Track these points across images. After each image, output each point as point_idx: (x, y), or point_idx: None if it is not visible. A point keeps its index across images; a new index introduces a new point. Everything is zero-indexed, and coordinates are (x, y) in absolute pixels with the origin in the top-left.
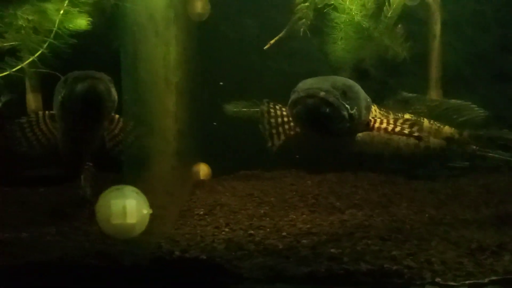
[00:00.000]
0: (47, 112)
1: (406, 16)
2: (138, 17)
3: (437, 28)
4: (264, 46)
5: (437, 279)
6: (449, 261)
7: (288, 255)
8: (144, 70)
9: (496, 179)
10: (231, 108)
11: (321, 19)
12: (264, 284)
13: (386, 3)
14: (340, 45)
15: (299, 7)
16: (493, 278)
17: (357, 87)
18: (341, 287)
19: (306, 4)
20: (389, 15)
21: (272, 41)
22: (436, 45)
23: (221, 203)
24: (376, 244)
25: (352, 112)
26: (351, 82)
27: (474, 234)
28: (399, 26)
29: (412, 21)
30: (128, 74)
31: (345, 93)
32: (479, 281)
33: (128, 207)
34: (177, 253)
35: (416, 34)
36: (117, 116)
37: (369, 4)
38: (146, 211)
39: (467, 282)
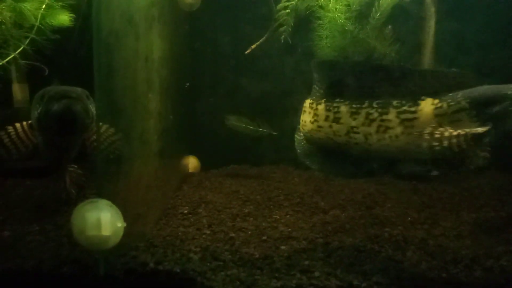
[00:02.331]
0: (25, 122)
1: (400, 12)
2: (114, 25)
3: (431, 24)
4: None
5: None
6: (420, 277)
7: (262, 266)
8: (121, 77)
9: (480, 183)
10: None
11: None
12: None
13: (376, 4)
14: (326, 43)
15: (279, 13)
16: None
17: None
18: None
19: (287, 11)
20: (377, 16)
21: (253, 46)
22: (430, 40)
23: (207, 200)
24: (350, 256)
25: None
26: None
27: (451, 243)
28: (389, 27)
29: (407, 17)
30: (102, 85)
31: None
32: None
33: (103, 219)
34: (151, 265)
35: (411, 31)
36: (98, 123)
37: (354, 6)
38: (120, 224)
39: None
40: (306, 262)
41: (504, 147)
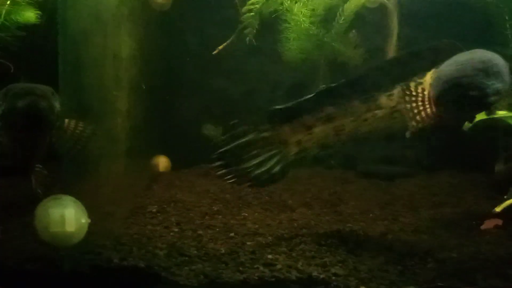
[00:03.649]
0: None
1: (362, 18)
2: (81, 23)
3: (394, 29)
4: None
5: (361, 287)
6: (376, 269)
7: (227, 261)
8: (88, 74)
9: (439, 181)
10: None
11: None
12: None
13: (340, 10)
14: (293, 46)
15: (244, 16)
16: (412, 287)
17: None
18: None
19: (252, 13)
20: (341, 21)
21: (220, 47)
22: (392, 46)
23: (176, 199)
24: (311, 250)
25: None
26: None
27: (408, 238)
28: (353, 31)
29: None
30: (67, 82)
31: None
32: None
33: (67, 215)
34: (116, 260)
35: (373, 36)
36: (66, 120)
37: (318, 10)
38: (84, 220)
39: None
40: (270, 256)
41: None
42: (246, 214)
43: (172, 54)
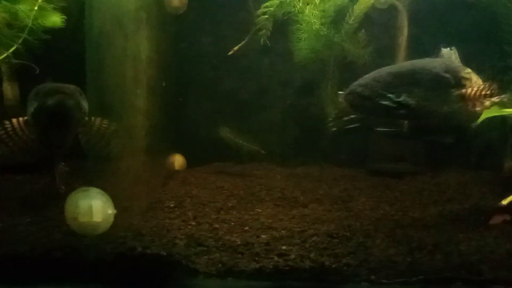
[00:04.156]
0: (21, 118)
1: (372, 18)
2: (105, 26)
3: (404, 31)
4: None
5: (372, 277)
6: (386, 260)
7: (243, 251)
8: (111, 75)
9: (447, 179)
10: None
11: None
12: (215, 279)
13: (350, 10)
14: (303, 45)
15: (259, 18)
16: (420, 277)
17: None
18: (285, 282)
19: (266, 16)
20: (351, 21)
21: (235, 48)
22: (403, 47)
23: (192, 195)
24: (323, 242)
25: None
26: None
27: (417, 233)
28: (362, 31)
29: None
30: (93, 82)
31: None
32: (408, 279)
33: (94, 206)
34: (139, 249)
35: (383, 36)
36: (91, 118)
37: (329, 12)
38: (111, 211)
39: (398, 280)
40: (284, 247)
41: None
42: (260, 210)
43: (187, 56)
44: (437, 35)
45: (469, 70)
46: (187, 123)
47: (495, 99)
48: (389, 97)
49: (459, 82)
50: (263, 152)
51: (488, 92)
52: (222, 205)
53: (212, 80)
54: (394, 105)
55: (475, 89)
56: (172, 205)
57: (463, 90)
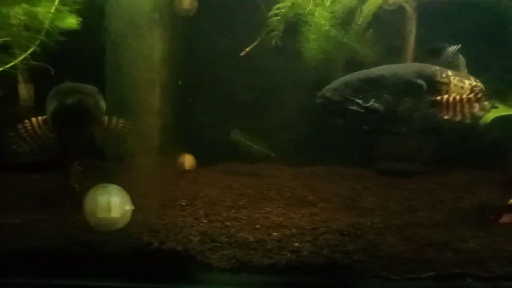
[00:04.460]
0: (40, 117)
1: (381, 19)
2: (121, 28)
3: (412, 32)
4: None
5: (383, 273)
6: (397, 257)
7: (256, 248)
8: (127, 75)
9: (455, 178)
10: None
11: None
12: (230, 274)
13: (358, 11)
14: (313, 46)
15: (270, 20)
16: (431, 273)
17: None
18: (298, 277)
19: (277, 17)
20: (359, 22)
21: (247, 49)
22: (410, 46)
23: (202, 194)
24: (335, 239)
25: None
26: None
27: (426, 230)
28: (370, 30)
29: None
30: (112, 81)
31: None
32: (419, 275)
33: (113, 203)
34: (155, 244)
35: (391, 36)
36: (107, 117)
37: (338, 13)
38: (128, 207)
39: (408, 276)
40: (296, 244)
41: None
42: (270, 209)
43: (197, 56)
44: (445, 35)
45: (449, 73)
46: (196, 123)
47: (485, 104)
48: (357, 102)
49: (435, 87)
50: (273, 155)
51: (472, 96)
52: (232, 203)
53: (221, 80)
54: (363, 110)
55: (453, 94)
56: (183, 203)
57: (439, 96)
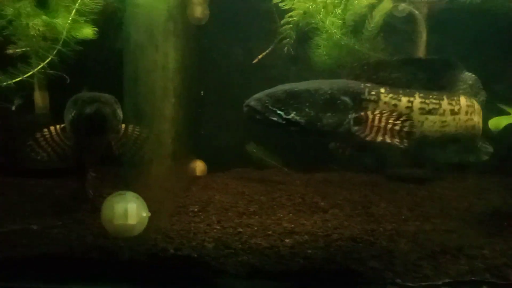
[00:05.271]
0: (58, 126)
1: (391, 26)
2: (139, 38)
3: (422, 39)
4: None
5: (397, 280)
6: (411, 264)
7: (269, 254)
8: (144, 84)
9: (467, 184)
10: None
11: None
12: (244, 280)
13: (368, 17)
14: (323, 52)
15: (283, 28)
16: (446, 280)
17: None
18: (312, 284)
19: (290, 25)
20: (370, 28)
21: (260, 56)
22: (421, 52)
23: (214, 200)
24: (348, 246)
25: None
26: None
27: (440, 237)
28: (381, 35)
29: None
30: (129, 91)
31: None
32: (434, 283)
33: (129, 210)
34: (171, 251)
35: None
36: (123, 125)
37: (349, 21)
38: (145, 214)
39: (423, 283)
40: (309, 251)
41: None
42: (281, 215)
43: (209, 64)
44: (455, 41)
45: (381, 90)
46: (208, 129)
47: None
48: (278, 113)
49: (361, 105)
50: (286, 170)
51: (394, 117)
52: (244, 209)
53: (232, 87)
54: (284, 122)
55: (376, 113)
56: (196, 209)
57: (362, 113)
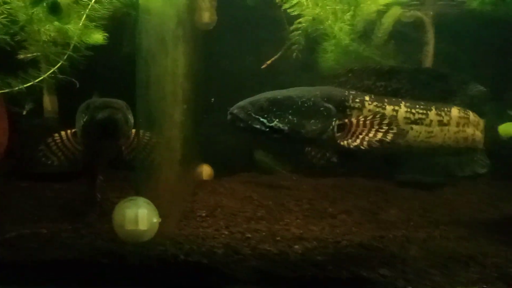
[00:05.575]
0: (69, 131)
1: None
2: (151, 45)
3: (430, 44)
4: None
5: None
6: (422, 271)
7: (279, 261)
8: (155, 90)
9: (475, 190)
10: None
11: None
12: (254, 286)
13: (377, 23)
14: (330, 57)
15: (292, 34)
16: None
17: None
18: None
19: (299, 31)
20: (379, 34)
21: (268, 62)
22: (429, 58)
23: (222, 205)
24: (358, 253)
25: None
26: None
27: (450, 244)
28: (391, 41)
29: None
30: (141, 97)
31: None
32: None
33: (140, 215)
34: (181, 257)
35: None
36: (134, 130)
37: (358, 27)
38: (156, 219)
39: None
40: (319, 258)
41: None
42: (289, 220)
43: (216, 69)
44: (463, 46)
45: (365, 98)
46: (214, 133)
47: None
48: (261, 121)
49: (345, 112)
50: (294, 178)
51: (377, 122)
52: (252, 215)
53: (239, 92)
54: (267, 129)
55: (360, 119)
56: (203, 214)
57: (346, 120)
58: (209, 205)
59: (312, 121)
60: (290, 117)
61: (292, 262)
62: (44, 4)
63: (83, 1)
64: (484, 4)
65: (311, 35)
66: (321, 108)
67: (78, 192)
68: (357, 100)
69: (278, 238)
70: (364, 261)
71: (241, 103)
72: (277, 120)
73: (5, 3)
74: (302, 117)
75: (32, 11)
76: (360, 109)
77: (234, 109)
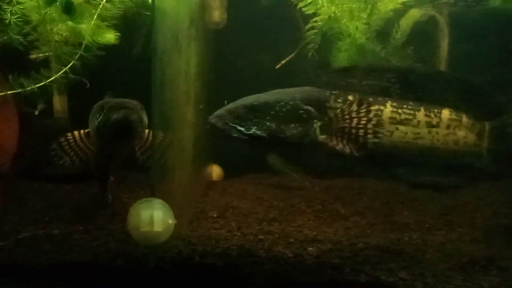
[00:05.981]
0: (82, 131)
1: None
2: (166, 45)
3: (444, 43)
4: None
5: None
6: (441, 275)
7: (294, 263)
8: (169, 90)
9: (492, 191)
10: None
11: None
12: None
13: (396, 25)
14: (344, 56)
15: (308, 33)
16: None
17: None
18: None
19: (315, 30)
20: (397, 36)
21: (283, 61)
22: (443, 58)
23: (233, 205)
24: (375, 255)
25: None
26: None
27: (467, 247)
28: (411, 47)
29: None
30: (156, 98)
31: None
32: None
33: (155, 217)
34: (197, 259)
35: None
36: (147, 131)
37: (374, 26)
38: (171, 221)
39: None
40: (335, 260)
41: None
42: (301, 222)
43: (226, 68)
44: (476, 45)
45: (348, 98)
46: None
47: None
48: (239, 129)
49: (327, 113)
50: (307, 184)
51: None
52: (263, 216)
53: (247, 91)
54: (246, 137)
55: (338, 114)
56: (215, 215)
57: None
58: (220, 206)
59: (292, 125)
60: (268, 123)
61: (307, 265)
62: (58, 3)
63: (95, 0)
64: (508, 2)
65: (326, 34)
66: (300, 111)
67: (89, 193)
68: (339, 100)
69: (292, 240)
70: (381, 263)
71: (219, 111)
72: (255, 127)
73: (18, 3)
74: (281, 122)
75: (45, 11)
76: (340, 109)
77: (212, 119)
